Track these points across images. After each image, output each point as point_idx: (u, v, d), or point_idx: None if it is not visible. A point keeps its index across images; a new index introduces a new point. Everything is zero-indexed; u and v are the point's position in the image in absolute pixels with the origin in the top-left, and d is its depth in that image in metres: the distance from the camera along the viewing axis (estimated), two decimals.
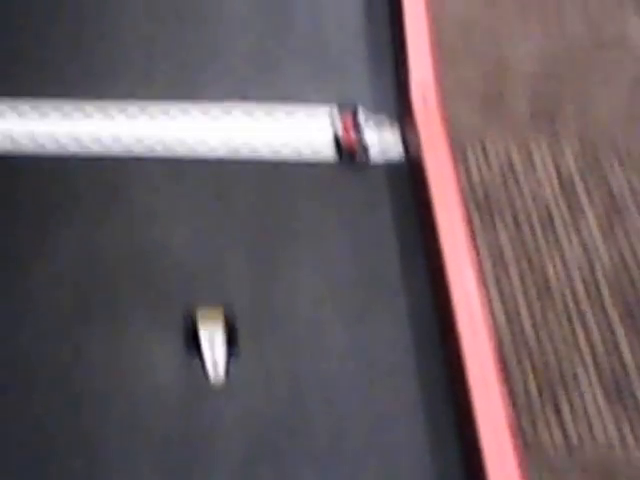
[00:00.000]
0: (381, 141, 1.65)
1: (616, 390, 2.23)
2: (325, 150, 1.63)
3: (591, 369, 2.26)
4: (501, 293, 2.37)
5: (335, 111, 1.67)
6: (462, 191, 1.55)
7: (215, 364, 1.41)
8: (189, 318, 1.44)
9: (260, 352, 1.42)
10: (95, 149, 1.61)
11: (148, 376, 1.40)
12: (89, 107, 1.65)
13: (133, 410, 1.37)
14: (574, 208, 2.54)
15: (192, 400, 1.39)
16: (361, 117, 1.66)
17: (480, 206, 2.51)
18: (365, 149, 1.63)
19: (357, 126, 1.64)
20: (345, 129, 1.63)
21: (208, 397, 1.39)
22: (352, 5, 1.79)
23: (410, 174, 1.61)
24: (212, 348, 1.41)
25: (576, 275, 2.41)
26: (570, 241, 2.48)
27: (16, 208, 1.54)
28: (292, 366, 1.41)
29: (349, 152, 1.63)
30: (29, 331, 1.42)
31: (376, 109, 1.68)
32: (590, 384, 2.23)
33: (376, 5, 1.78)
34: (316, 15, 1.79)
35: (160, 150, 1.62)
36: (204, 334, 1.42)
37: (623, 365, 2.26)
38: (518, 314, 2.34)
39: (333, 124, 1.65)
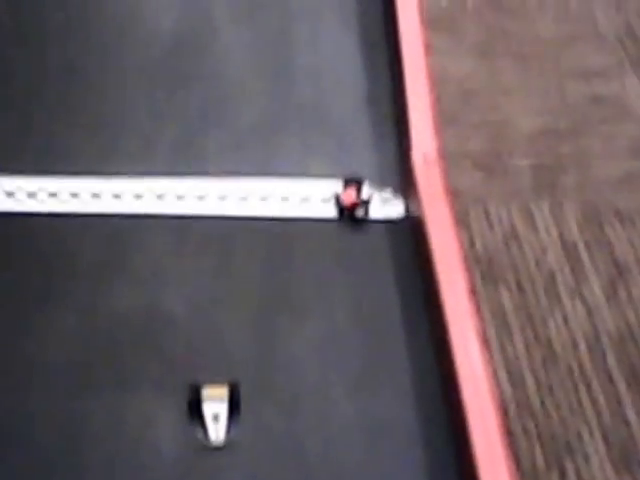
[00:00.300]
0: (383, 212, 1.65)
1: (623, 459, 2.20)
2: (326, 208, 1.64)
3: (598, 437, 2.24)
4: (505, 359, 2.36)
5: (339, 182, 1.67)
6: (465, 257, 1.55)
7: (217, 431, 1.39)
8: (193, 385, 1.42)
9: (262, 420, 1.41)
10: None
11: (150, 448, 1.38)
12: (93, 185, 1.65)
13: None
14: (577, 272, 2.53)
15: (193, 474, 1.37)
16: (365, 190, 1.66)
17: (483, 271, 2.51)
18: (366, 206, 1.63)
19: (359, 196, 1.64)
20: (346, 192, 1.63)
21: (210, 468, 1.37)
22: (354, 73, 1.80)
23: (413, 247, 1.60)
24: (214, 417, 1.40)
25: (581, 341, 2.40)
26: (574, 306, 2.47)
27: (14, 270, 1.54)
28: (295, 437, 1.40)
29: (349, 211, 1.63)
30: (30, 399, 1.41)
31: (378, 180, 1.68)
32: (597, 452, 2.21)
33: (379, 73, 1.79)
34: (318, 85, 1.80)
35: (162, 210, 1.62)
36: (207, 403, 1.41)
37: (630, 433, 2.24)
38: (523, 380, 2.32)
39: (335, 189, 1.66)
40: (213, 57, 1.82)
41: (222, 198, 1.64)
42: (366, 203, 1.62)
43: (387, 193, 1.66)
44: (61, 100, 1.75)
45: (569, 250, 2.59)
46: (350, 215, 1.62)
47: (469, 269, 1.52)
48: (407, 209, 1.64)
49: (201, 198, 1.63)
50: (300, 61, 1.82)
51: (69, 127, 1.72)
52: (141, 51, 1.81)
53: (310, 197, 1.64)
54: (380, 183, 1.67)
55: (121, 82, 1.78)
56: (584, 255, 2.58)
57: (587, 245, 2.60)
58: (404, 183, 1.67)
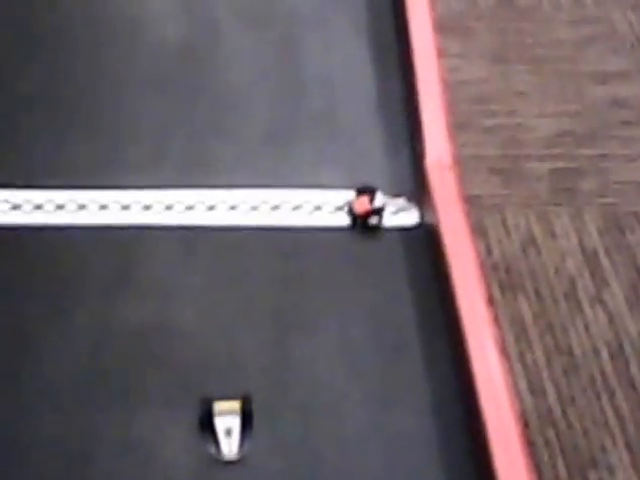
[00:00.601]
0: (397, 220, 1.63)
1: None
2: (338, 216, 1.62)
3: (622, 447, 2.20)
4: (525, 368, 2.33)
5: (352, 192, 1.66)
6: (482, 265, 1.52)
7: (229, 445, 1.37)
8: (205, 399, 1.40)
9: (275, 435, 1.39)
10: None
11: (162, 463, 1.36)
12: (102, 197, 1.64)
13: None
14: (598, 279, 2.50)
15: None
16: (379, 199, 1.64)
17: (501, 280, 2.48)
18: (379, 213, 1.61)
19: (372, 205, 1.62)
20: (359, 200, 1.62)
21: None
22: (366, 80, 1.79)
23: (428, 255, 1.58)
24: (227, 432, 1.38)
25: (603, 349, 2.37)
26: (595, 314, 2.44)
27: (23, 284, 1.53)
28: (309, 451, 1.37)
29: (362, 219, 1.61)
30: (39, 413, 1.40)
31: (392, 188, 1.67)
32: (621, 463, 2.18)
33: (390, 79, 1.78)
34: (330, 92, 1.79)
35: (172, 221, 1.61)
36: (219, 417, 1.39)
37: None
38: (543, 391, 2.29)
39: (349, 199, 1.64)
40: (222, 67, 1.82)
41: (233, 208, 1.62)
42: (380, 211, 1.60)
43: (401, 201, 1.64)
44: (67, 112, 1.75)
45: (589, 256, 2.56)
46: (363, 223, 1.60)
47: (486, 277, 1.50)
48: (421, 216, 1.62)
49: (211, 208, 1.62)
50: (311, 69, 1.82)
51: (77, 139, 1.72)
52: (149, 62, 1.80)
53: (323, 206, 1.62)
54: (394, 191, 1.66)
55: (129, 93, 1.78)
56: (604, 261, 2.55)
57: (607, 251, 2.57)
58: (418, 191, 1.66)
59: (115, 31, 1.86)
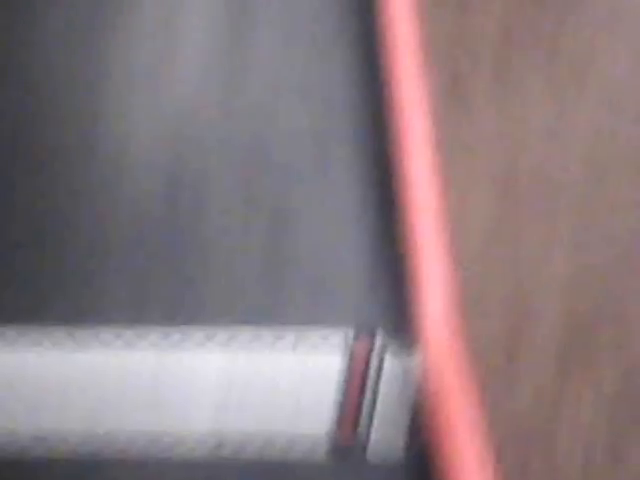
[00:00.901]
0: (383, 434, 1.56)
1: None
2: (318, 448, 1.57)
3: None
4: None
5: (348, 348, 1.60)
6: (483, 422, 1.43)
7: None
8: None
9: None
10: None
11: None
12: (83, 334, 1.59)
13: None
14: (616, 448, 2.43)
15: None
16: (379, 338, 1.57)
17: (508, 436, 2.40)
18: (363, 447, 1.55)
19: (372, 348, 1.55)
20: (344, 417, 1.55)
21: None
22: (361, 221, 1.74)
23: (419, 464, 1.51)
24: None
25: None
26: (615, 470, 2.35)
27: None
28: None
29: (344, 449, 1.56)
30: None
31: (391, 331, 1.61)
32: None
33: (388, 227, 1.74)
34: (324, 231, 1.74)
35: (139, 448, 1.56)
36: None
37: None
38: None
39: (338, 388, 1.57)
40: (211, 200, 1.78)
41: (224, 345, 1.58)
42: (364, 446, 1.55)
43: (401, 341, 1.59)
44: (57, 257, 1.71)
45: (605, 411, 2.48)
46: (343, 455, 1.55)
47: (490, 438, 1.41)
48: (408, 445, 1.56)
49: (201, 345, 1.57)
50: (306, 206, 1.78)
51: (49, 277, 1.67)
52: (137, 202, 1.77)
53: (320, 345, 1.58)
54: (392, 338, 1.60)
55: (116, 229, 1.75)
56: (624, 422, 2.46)
57: (623, 412, 2.49)
58: (416, 338, 1.60)
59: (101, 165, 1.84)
